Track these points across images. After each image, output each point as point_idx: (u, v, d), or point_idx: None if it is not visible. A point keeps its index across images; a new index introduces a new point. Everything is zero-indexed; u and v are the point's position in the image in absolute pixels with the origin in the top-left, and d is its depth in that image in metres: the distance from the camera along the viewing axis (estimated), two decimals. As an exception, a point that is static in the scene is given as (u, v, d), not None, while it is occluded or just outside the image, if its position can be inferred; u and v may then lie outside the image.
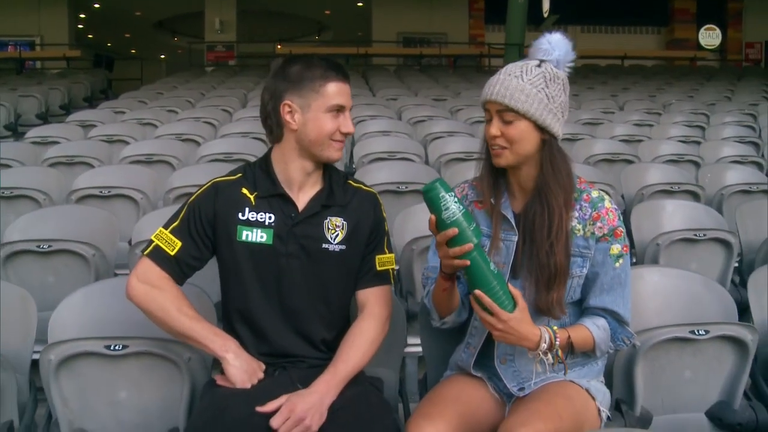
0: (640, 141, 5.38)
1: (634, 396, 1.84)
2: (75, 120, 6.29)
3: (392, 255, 1.83)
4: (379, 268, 1.79)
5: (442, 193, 1.45)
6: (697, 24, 16.67)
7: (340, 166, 4.46)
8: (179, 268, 1.71)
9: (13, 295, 2.01)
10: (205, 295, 1.97)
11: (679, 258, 2.84)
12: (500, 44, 13.39)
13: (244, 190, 1.74)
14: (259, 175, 1.76)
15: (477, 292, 1.48)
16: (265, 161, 1.78)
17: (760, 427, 1.87)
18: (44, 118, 7.86)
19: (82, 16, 16.91)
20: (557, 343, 1.55)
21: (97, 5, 16.59)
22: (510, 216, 1.68)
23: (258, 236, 1.71)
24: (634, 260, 2.99)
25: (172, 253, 1.69)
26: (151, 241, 1.72)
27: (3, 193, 3.45)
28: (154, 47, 20.01)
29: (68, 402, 1.76)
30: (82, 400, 1.77)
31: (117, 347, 1.73)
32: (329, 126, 1.70)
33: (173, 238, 1.70)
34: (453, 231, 1.44)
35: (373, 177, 3.84)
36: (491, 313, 1.48)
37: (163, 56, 21.05)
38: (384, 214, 1.84)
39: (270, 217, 1.72)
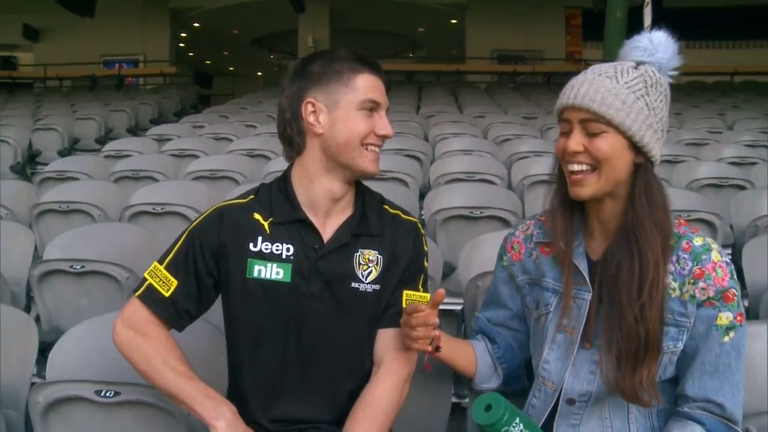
0: (753, 164, 4.77)
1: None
2: (153, 134, 6.33)
3: (427, 295, 1.48)
4: (405, 307, 1.45)
5: (506, 427, 1.19)
6: (820, 37, 15.38)
7: (414, 187, 4.34)
8: (175, 312, 1.42)
9: (14, 321, 1.82)
10: (218, 334, 1.70)
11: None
12: (598, 61, 12.83)
13: (257, 216, 1.43)
14: (276, 197, 1.45)
15: None
16: (284, 180, 1.47)
17: None
18: (134, 132, 8.03)
19: (183, 34, 17.49)
20: None
21: (196, 24, 17.13)
22: (583, 266, 1.32)
23: (273, 272, 1.39)
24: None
25: (167, 294, 1.41)
26: (144, 279, 1.44)
27: (60, 207, 3.36)
28: (251, 64, 20.53)
29: (56, 450, 1.53)
30: (72, 448, 1.54)
31: (108, 393, 1.50)
32: (362, 126, 1.39)
33: (168, 275, 1.41)
34: None
35: (445, 200, 3.47)
36: None
37: (260, 73, 21.56)
38: (426, 248, 1.51)
39: (288, 249, 1.40)
